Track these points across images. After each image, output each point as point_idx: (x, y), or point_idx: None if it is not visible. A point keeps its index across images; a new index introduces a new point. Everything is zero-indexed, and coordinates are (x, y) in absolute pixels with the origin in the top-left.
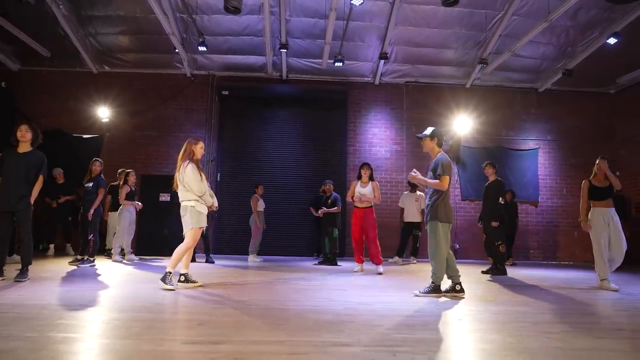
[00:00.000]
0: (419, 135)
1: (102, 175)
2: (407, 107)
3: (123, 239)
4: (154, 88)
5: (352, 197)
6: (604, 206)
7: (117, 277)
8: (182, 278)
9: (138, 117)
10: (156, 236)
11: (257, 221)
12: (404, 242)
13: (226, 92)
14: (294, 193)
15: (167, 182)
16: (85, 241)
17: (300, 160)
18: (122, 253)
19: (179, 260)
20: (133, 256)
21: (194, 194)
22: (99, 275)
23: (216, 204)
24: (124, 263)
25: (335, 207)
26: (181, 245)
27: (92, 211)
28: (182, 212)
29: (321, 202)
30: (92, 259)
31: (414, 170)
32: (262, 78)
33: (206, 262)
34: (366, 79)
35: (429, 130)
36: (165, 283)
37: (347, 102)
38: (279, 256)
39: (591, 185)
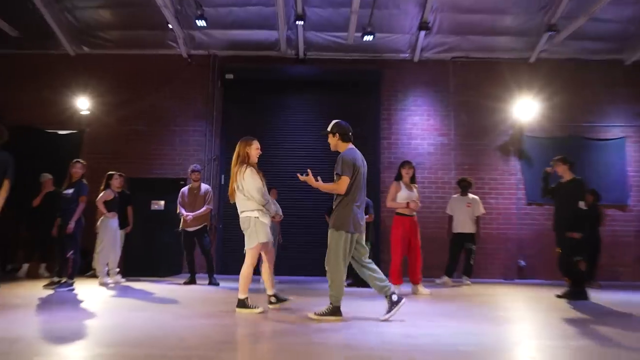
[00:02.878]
0: (324, 131)
1: (84, 180)
2: (455, 90)
3: (108, 256)
4: (143, 73)
5: (408, 204)
6: None
7: (101, 303)
8: (273, 299)
9: (124, 108)
10: (148, 253)
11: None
12: (454, 259)
13: (231, 76)
14: (314, 198)
15: (161, 187)
16: (64, 260)
17: (323, 158)
18: (108, 274)
19: (247, 283)
20: (120, 277)
21: (256, 203)
22: (80, 301)
23: (280, 212)
24: (110, 286)
25: (367, 216)
26: (244, 266)
27: (72, 224)
28: (243, 225)
29: None
30: (71, 281)
31: (308, 170)
32: (274, 58)
33: (209, 284)
34: (403, 55)
35: (330, 126)
36: (249, 307)
37: (379, 85)
38: (298, 276)
39: None
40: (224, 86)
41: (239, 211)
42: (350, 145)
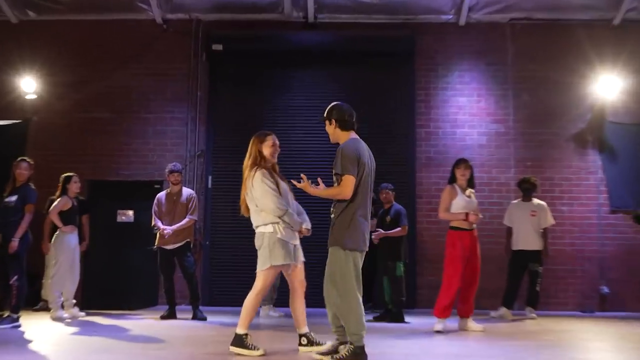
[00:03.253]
0: (321, 117)
1: (31, 183)
2: (514, 61)
3: (63, 283)
4: (106, 44)
5: (467, 215)
6: None
7: (55, 344)
8: (304, 340)
9: (82, 90)
10: (113, 278)
11: None
12: (515, 284)
13: (219, 47)
14: (329, 205)
15: (129, 192)
16: (5, 288)
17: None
18: (62, 306)
19: (251, 316)
20: (76, 310)
21: (270, 215)
22: (28, 341)
23: (308, 225)
24: (67, 322)
25: (399, 228)
26: (250, 293)
27: (16, 241)
28: (256, 243)
29: (376, 219)
30: (15, 315)
31: (302, 176)
32: (275, 22)
33: (194, 318)
34: (445, 17)
35: (326, 110)
36: (247, 347)
37: (413, 57)
38: (308, 307)
39: None
40: (210, 60)
41: (253, 226)
42: (353, 135)
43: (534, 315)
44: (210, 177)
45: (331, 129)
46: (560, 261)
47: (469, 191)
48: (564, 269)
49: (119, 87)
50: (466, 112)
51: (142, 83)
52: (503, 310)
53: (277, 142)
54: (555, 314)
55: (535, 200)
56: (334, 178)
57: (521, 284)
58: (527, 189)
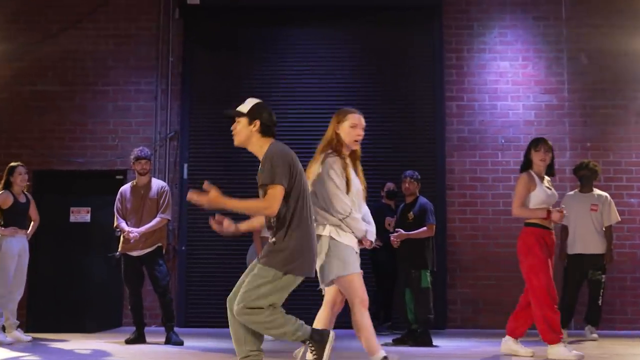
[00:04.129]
0: (230, 112)
1: None
2: (570, 14)
3: (7, 298)
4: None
5: (549, 212)
6: None
7: None
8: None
9: (23, 57)
10: (66, 294)
11: None
12: (571, 297)
13: (195, 0)
14: None
15: (85, 185)
16: None
17: None
18: (3, 328)
19: (373, 333)
20: (20, 333)
21: (332, 215)
22: None
23: (372, 237)
24: (9, 346)
25: (425, 228)
26: (353, 310)
27: None
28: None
29: (396, 216)
30: None
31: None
32: None
33: (167, 342)
34: None
35: (246, 105)
36: None
37: (441, 11)
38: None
39: None
40: (184, 17)
41: None
42: (274, 141)
43: (595, 335)
44: (186, 165)
45: (247, 130)
46: (628, 268)
47: (547, 180)
48: (633, 277)
49: (69, 52)
50: (509, 80)
51: (98, 47)
52: None
53: (363, 123)
54: (622, 334)
55: (597, 191)
56: (260, 191)
57: (579, 297)
58: (586, 177)
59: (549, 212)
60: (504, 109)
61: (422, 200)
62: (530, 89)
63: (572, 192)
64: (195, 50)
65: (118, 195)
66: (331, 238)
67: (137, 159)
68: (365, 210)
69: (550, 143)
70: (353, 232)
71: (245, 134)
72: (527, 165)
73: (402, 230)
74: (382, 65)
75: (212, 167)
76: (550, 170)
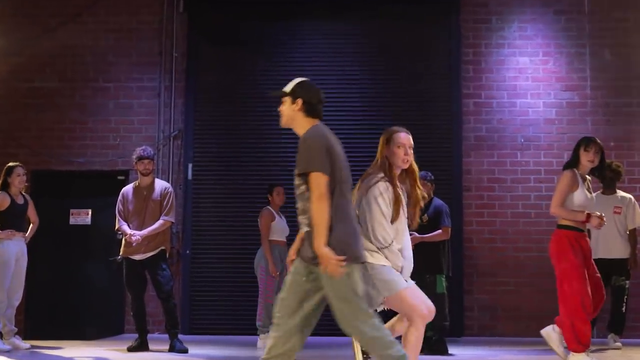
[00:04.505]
0: (277, 92)
1: None
2: (593, 8)
3: (4, 303)
4: None
5: (589, 216)
6: None
7: None
8: None
9: (20, 53)
10: (65, 299)
11: (271, 262)
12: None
13: None
14: None
15: (85, 186)
16: None
17: (360, 130)
18: (0, 334)
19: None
20: (18, 340)
21: (371, 242)
22: None
23: (406, 275)
24: (7, 354)
25: (440, 231)
26: (409, 331)
27: None
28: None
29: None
30: None
31: None
32: None
33: (171, 350)
34: None
35: (290, 85)
36: None
37: (459, 3)
38: (317, 336)
39: None
40: (189, 10)
41: None
42: (318, 123)
43: (619, 344)
44: (190, 166)
45: (290, 110)
46: None
47: (588, 182)
48: None
49: (68, 47)
50: (529, 76)
51: (99, 42)
52: None
53: (410, 142)
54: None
55: (620, 193)
56: (300, 179)
57: (602, 303)
58: (609, 179)
59: (588, 215)
60: (524, 106)
61: (437, 202)
62: (551, 86)
63: (594, 194)
64: (200, 45)
65: (120, 197)
66: (370, 264)
67: (140, 158)
68: (407, 242)
69: (601, 144)
70: (389, 259)
71: (289, 114)
72: (573, 163)
73: (416, 234)
74: (395, 61)
75: (217, 167)
76: (601, 172)
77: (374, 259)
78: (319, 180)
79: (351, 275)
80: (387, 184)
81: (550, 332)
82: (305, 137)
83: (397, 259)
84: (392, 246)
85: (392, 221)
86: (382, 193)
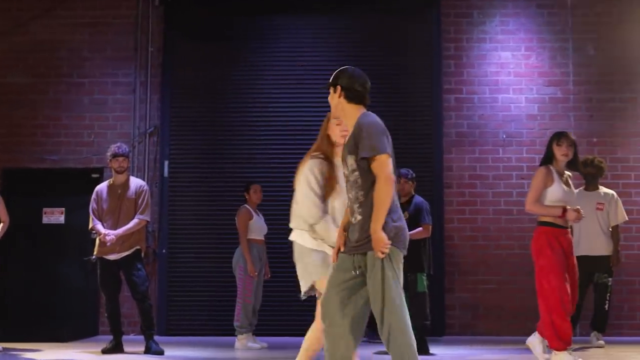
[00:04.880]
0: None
1: None
2: (575, 3)
3: None
4: None
5: (565, 210)
6: None
7: None
8: None
9: None
10: (39, 301)
11: (249, 262)
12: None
13: None
14: None
15: (58, 184)
16: None
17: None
18: None
19: (311, 352)
20: None
21: (304, 220)
22: None
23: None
24: None
25: (420, 228)
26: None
27: None
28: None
29: None
30: None
31: None
32: None
33: (146, 351)
34: None
35: (333, 75)
36: None
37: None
38: (295, 337)
39: None
40: (165, 4)
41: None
42: (363, 111)
43: (601, 342)
44: (166, 163)
45: (335, 99)
46: (636, 270)
47: (567, 177)
48: None
49: (41, 42)
50: (510, 71)
51: (73, 37)
52: None
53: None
54: (630, 340)
55: (603, 189)
56: (353, 166)
57: (585, 302)
58: (591, 175)
59: (564, 210)
60: (506, 102)
61: (418, 199)
62: (533, 81)
63: (576, 190)
64: (177, 39)
65: (94, 195)
66: (299, 245)
67: (115, 156)
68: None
69: (573, 137)
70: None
71: (334, 103)
72: (548, 159)
73: None
74: (375, 56)
75: (194, 164)
76: (575, 166)
77: (303, 240)
78: (386, 162)
79: (394, 260)
80: (320, 160)
81: (534, 342)
82: (363, 123)
83: (328, 234)
84: (321, 223)
85: (326, 197)
86: (312, 170)
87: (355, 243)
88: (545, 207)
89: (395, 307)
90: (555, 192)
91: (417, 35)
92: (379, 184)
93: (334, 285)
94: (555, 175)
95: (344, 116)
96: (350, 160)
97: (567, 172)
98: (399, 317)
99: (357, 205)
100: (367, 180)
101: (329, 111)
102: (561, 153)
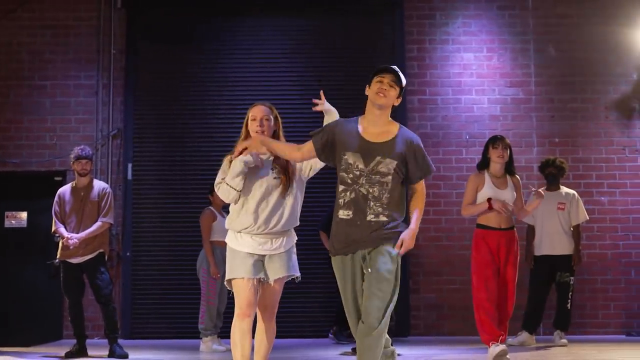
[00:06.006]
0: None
1: None
2: (536, 4)
3: None
4: None
5: (489, 202)
6: None
7: None
8: None
9: None
10: (1, 304)
11: (212, 264)
12: (539, 301)
13: None
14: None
15: (21, 187)
16: None
17: (302, 127)
18: None
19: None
20: None
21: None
22: None
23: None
24: None
25: None
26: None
27: None
28: None
29: None
30: None
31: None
32: None
33: (111, 356)
34: None
35: (403, 78)
36: None
37: (401, 0)
38: (298, 338)
39: None
40: (127, 6)
41: None
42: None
43: (564, 341)
44: (130, 165)
45: (394, 100)
46: (598, 269)
47: (507, 179)
48: (603, 279)
49: (2, 44)
50: (473, 72)
51: (34, 39)
52: (524, 336)
53: (264, 114)
54: (593, 338)
55: (564, 189)
56: (390, 169)
57: (547, 301)
58: (552, 175)
59: (489, 202)
60: (468, 103)
61: None
62: (495, 82)
63: (541, 189)
64: (139, 42)
65: (56, 198)
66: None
67: (77, 158)
68: (269, 208)
69: (508, 140)
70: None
71: (391, 103)
72: (484, 163)
73: None
74: (338, 58)
75: (158, 167)
76: (510, 168)
77: (231, 240)
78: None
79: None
80: (228, 156)
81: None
82: (417, 140)
83: (233, 177)
84: (231, 195)
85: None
86: (223, 166)
87: (380, 234)
88: (474, 206)
89: (392, 306)
90: (485, 194)
91: (381, 36)
92: (422, 197)
93: (351, 300)
94: (487, 179)
95: (384, 117)
96: (391, 164)
97: (516, 177)
98: (389, 316)
99: (378, 204)
100: (396, 187)
101: (285, 110)
102: (497, 155)
